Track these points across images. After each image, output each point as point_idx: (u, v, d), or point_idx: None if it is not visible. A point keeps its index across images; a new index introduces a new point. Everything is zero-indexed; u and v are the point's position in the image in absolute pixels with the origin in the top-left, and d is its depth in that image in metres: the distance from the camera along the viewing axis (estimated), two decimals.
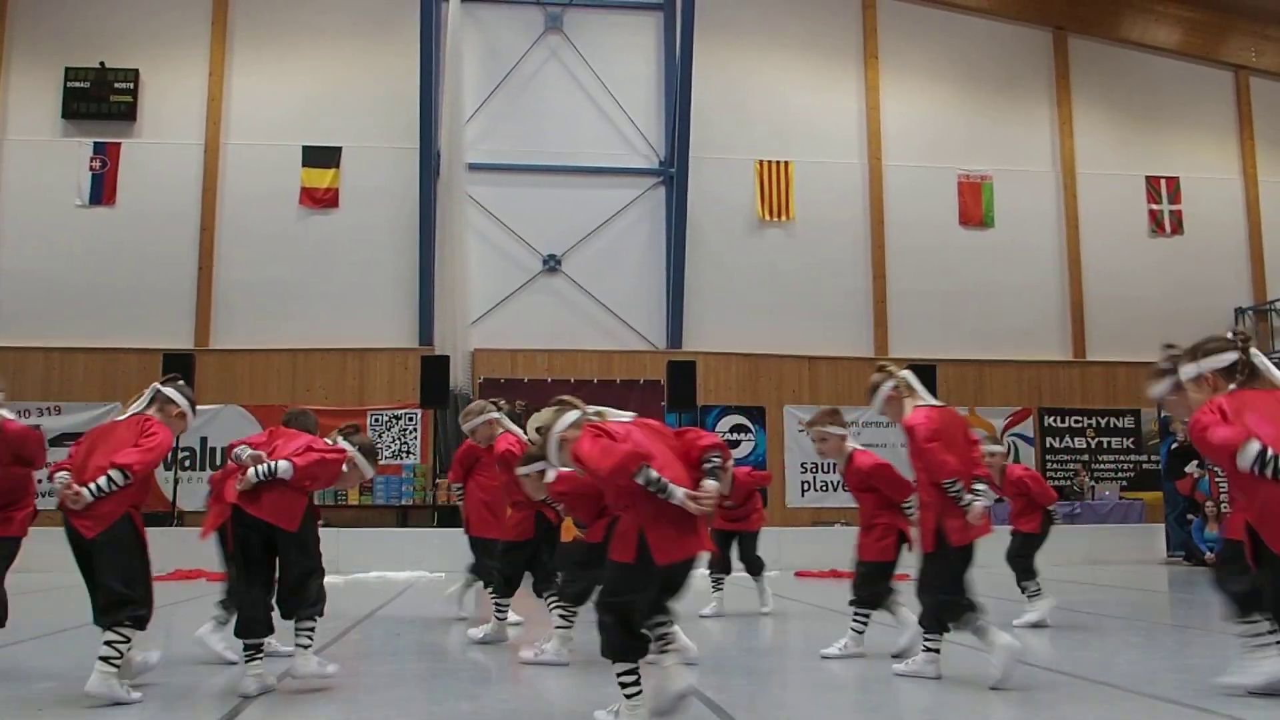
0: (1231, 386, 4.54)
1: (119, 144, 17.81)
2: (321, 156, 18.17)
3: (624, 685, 3.87)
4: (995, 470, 7.90)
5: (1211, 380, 4.66)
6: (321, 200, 18.13)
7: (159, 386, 5.20)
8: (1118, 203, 20.11)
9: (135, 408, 5.16)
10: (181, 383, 5.40)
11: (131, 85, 17.96)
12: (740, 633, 7.63)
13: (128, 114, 17.93)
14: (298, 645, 4.98)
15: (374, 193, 18.12)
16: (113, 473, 4.71)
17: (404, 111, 17.84)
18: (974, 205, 19.62)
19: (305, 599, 4.96)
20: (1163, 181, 20.33)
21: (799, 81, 19.47)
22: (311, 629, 5.02)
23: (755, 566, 8.86)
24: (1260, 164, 20.70)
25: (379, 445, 5.38)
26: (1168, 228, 20.27)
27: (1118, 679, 5.40)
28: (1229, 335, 4.69)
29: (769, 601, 8.76)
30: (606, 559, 4.13)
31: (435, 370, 15.67)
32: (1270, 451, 4.15)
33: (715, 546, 8.49)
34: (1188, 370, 4.80)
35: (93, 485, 4.70)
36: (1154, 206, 20.30)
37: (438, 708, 4.71)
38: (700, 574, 7.55)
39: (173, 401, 5.19)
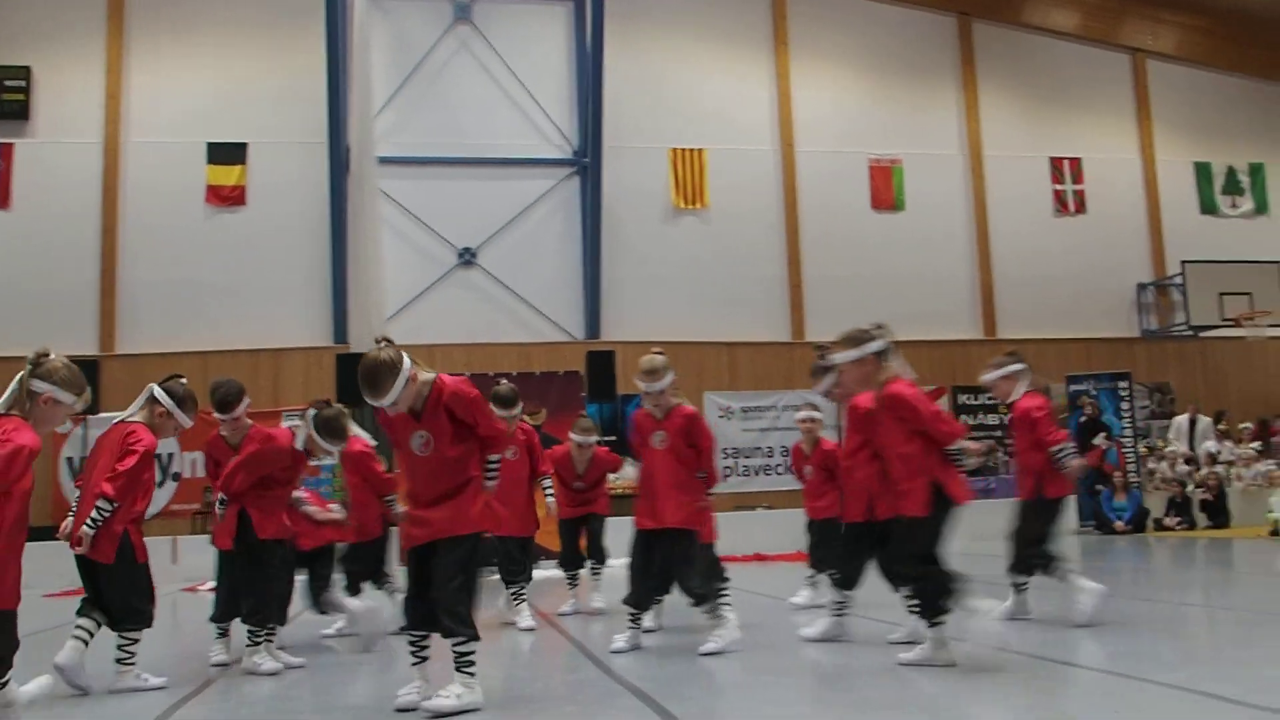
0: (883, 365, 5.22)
1: (12, 144, 17.27)
2: (227, 153, 17.80)
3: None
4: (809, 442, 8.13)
5: (871, 362, 5.23)
6: (228, 198, 17.77)
7: (154, 387, 5.37)
8: (1024, 184, 20.49)
9: (129, 410, 5.35)
10: (180, 381, 5.58)
11: (24, 83, 17.41)
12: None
13: (20, 113, 17.37)
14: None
15: (283, 189, 17.80)
16: (100, 503, 5.01)
17: (311, 106, 17.54)
18: (885, 189, 19.86)
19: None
20: (1066, 162, 20.76)
21: (711, 69, 19.53)
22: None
23: (602, 556, 8.48)
24: (1158, 144, 21.23)
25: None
26: (1072, 207, 20.71)
27: (1034, 649, 5.52)
28: (873, 326, 5.35)
29: (601, 600, 8.19)
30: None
31: (351, 368, 15.43)
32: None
33: (561, 539, 8.49)
34: (850, 354, 5.24)
35: (88, 523, 5.00)
36: (1058, 187, 20.72)
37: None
38: (553, 573, 7.67)
39: (158, 402, 5.35)
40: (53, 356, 4.70)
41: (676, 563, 5.93)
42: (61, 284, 16.97)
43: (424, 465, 4.68)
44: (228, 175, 17.75)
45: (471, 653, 4.54)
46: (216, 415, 6.11)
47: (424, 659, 4.74)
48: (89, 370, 14.72)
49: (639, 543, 6.04)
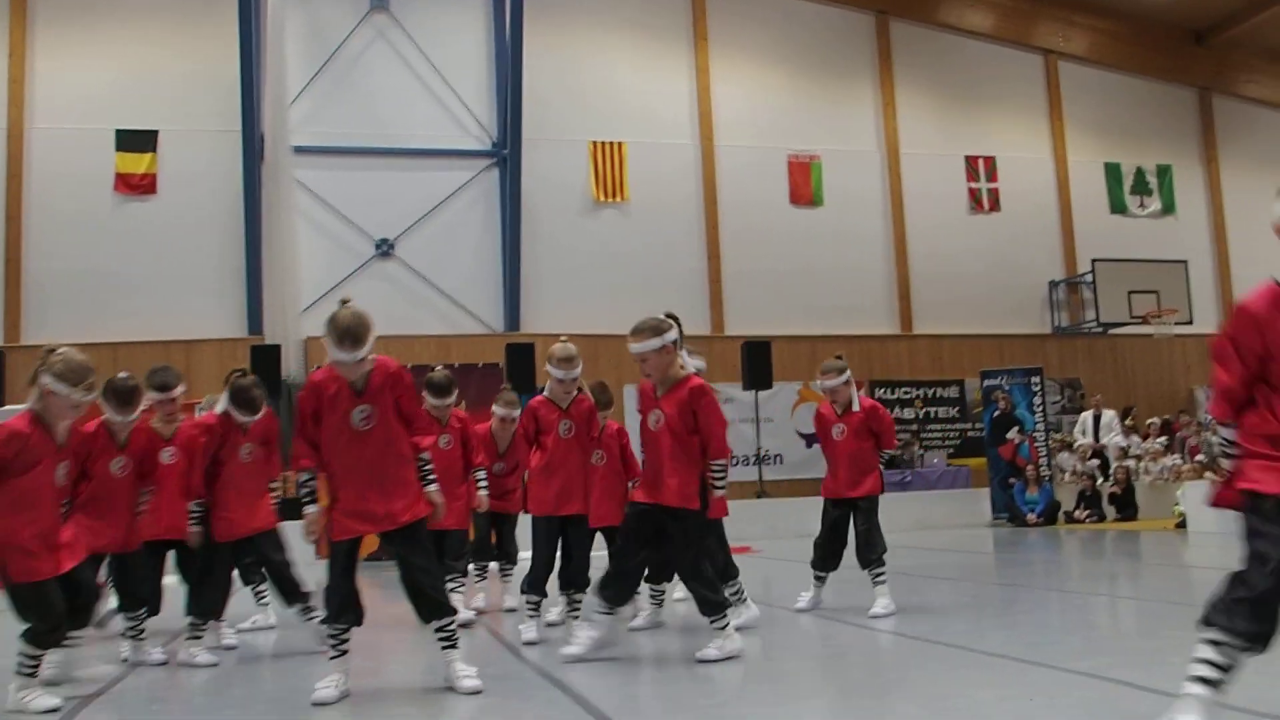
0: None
1: None
2: (136, 140, 17.37)
3: None
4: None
5: (670, 351, 5.42)
6: (138, 186, 17.35)
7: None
8: (939, 181, 20.78)
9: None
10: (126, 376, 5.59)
11: None
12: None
13: None
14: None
15: (195, 177, 17.41)
16: None
17: (224, 93, 17.17)
18: (804, 185, 20.02)
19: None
20: (980, 161, 21.09)
21: (631, 62, 19.51)
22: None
23: (513, 555, 8.13)
24: (1069, 144, 21.67)
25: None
26: (986, 205, 21.06)
27: (949, 638, 5.60)
28: (667, 315, 5.50)
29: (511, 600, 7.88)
30: None
31: (266, 360, 15.20)
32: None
33: (474, 529, 7.83)
34: (653, 343, 5.37)
35: None
36: (973, 185, 21.06)
37: None
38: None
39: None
40: (59, 351, 4.80)
41: (583, 548, 6.21)
42: None
43: (362, 444, 4.67)
44: (137, 163, 17.32)
45: (455, 631, 4.77)
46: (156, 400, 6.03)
47: (344, 652, 4.70)
48: None
49: (548, 529, 6.15)
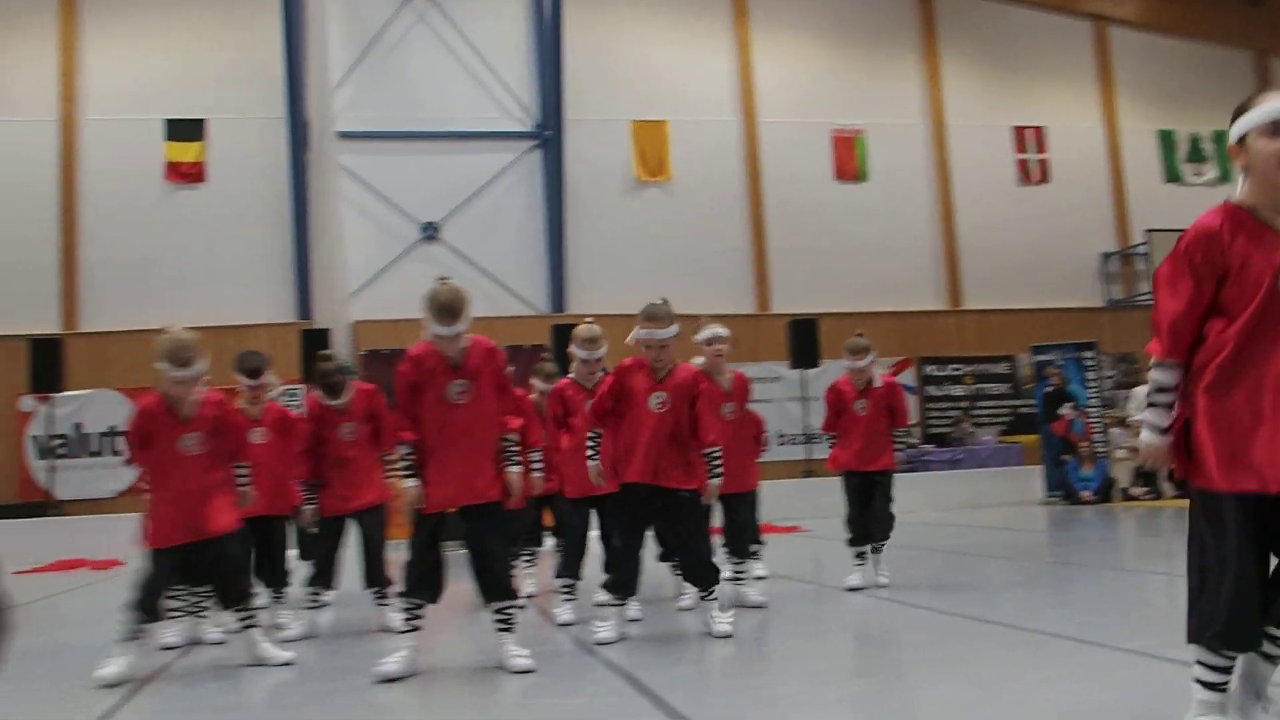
0: None
1: None
2: (185, 129, 17.53)
3: None
4: None
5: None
6: (188, 174, 17.53)
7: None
8: (987, 153, 20.51)
9: None
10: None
11: None
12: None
13: None
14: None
15: (243, 165, 17.56)
16: None
17: (269, 80, 17.30)
18: (848, 160, 19.84)
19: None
20: (1029, 131, 20.80)
21: (672, 40, 19.40)
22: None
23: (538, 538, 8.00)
24: (1121, 112, 21.30)
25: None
26: (1035, 177, 20.77)
27: (1002, 618, 5.55)
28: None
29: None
30: None
31: (316, 344, 15.27)
32: None
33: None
34: (673, 330, 5.53)
35: None
36: (1022, 156, 20.77)
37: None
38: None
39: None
40: (167, 331, 5.08)
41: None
42: (22, 263, 16.69)
43: (456, 418, 4.74)
44: (186, 152, 17.50)
45: (514, 614, 4.82)
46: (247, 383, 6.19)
47: (416, 628, 4.75)
48: (52, 348, 14.70)
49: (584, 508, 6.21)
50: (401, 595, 4.84)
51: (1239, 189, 3.00)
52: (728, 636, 5.31)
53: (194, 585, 5.31)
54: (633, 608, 6.12)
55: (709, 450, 5.49)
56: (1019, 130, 20.72)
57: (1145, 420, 3.10)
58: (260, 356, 6.34)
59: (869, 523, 7.00)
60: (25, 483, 15.76)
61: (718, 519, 6.45)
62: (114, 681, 4.73)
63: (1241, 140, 2.95)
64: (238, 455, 5.38)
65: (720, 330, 6.39)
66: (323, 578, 6.26)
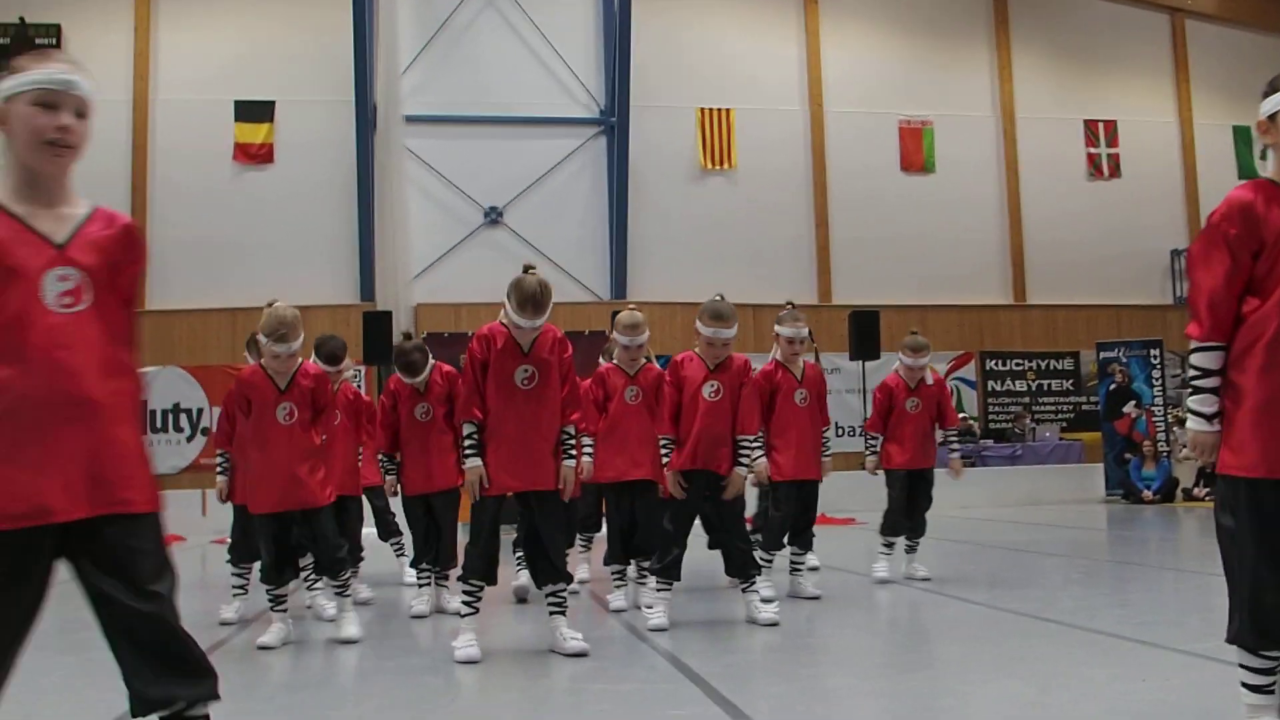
0: None
1: None
2: (255, 111, 17.77)
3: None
4: None
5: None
6: (256, 156, 17.77)
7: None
8: (1056, 147, 20.21)
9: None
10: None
11: (54, 41, 17.38)
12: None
13: None
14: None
15: (310, 147, 17.77)
16: None
17: (338, 63, 17.47)
18: (915, 151, 19.65)
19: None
20: (1100, 125, 20.47)
21: (740, 28, 19.31)
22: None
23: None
24: (1195, 106, 20.89)
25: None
26: (1105, 171, 20.44)
27: (1059, 615, 5.49)
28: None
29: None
30: None
31: (378, 326, 15.46)
32: None
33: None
34: (735, 329, 5.60)
35: None
36: (1092, 150, 20.45)
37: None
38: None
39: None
40: (271, 305, 5.34)
41: (651, 514, 6.05)
42: None
43: (521, 403, 4.77)
44: (255, 133, 17.73)
45: (566, 598, 4.88)
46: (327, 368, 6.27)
47: (477, 610, 4.81)
48: None
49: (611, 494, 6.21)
50: (462, 578, 4.87)
51: (1270, 165, 2.98)
52: (775, 624, 5.31)
53: (285, 555, 5.35)
54: (618, 598, 6.20)
55: (744, 438, 5.53)
56: (1090, 124, 20.39)
57: (1190, 409, 2.93)
58: (340, 342, 6.49)
59: (912, 519, 7.01)
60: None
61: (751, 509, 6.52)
62: (274, 645, 5.10)
63: (1272, 118, 2.94)
64: (329, 430, 5.50)
65: (803, 331, 6.35)
66: (427, 555, 6.30)
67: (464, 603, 4.82)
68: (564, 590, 4.85)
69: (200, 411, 16.08)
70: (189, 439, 16.36)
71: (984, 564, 8.14)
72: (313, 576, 5.96)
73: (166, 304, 17.04)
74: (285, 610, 5.31)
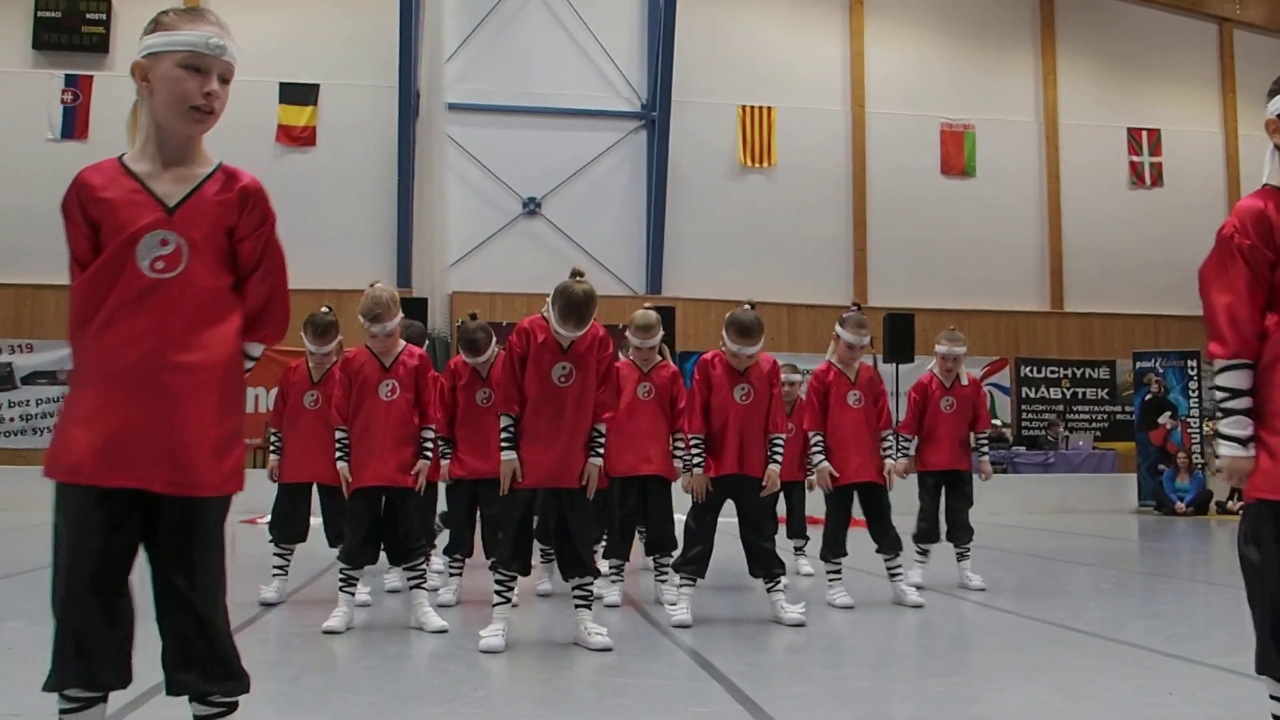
0: None
1: (91, 76, 17.49)
2: (299, 93, 17.91)
3: None
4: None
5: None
6: (299, 138, 17.90)
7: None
8: (1099, 154, 20.07)
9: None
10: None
11: (104, 16, 17.61)
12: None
13: (100, 45, 17.60)
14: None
15: (352, 131, 17.89)
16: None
17: (383, 49, 17.58)
18: (956, 154, 19.56)
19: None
20: (1144, 133, 20.30)
21: (783, 26, 19.28)
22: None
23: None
24: (1241, 117, 20.67)
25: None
26: (1148, 180, 20.27)
27: (1087, 625, 5.46)
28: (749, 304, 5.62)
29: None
30: None
31: (413, 313, 15.42)
32: None
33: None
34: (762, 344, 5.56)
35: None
36: (1135, 158, 20.28)
37: None
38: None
39: None
40: (370, 287, 5.46)
41: (663, 511, 6.10)
42: None
43: (558, 399, 4.78)
44: (299, 115, 17.86)
45: (592, 591, 4.90)
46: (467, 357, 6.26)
47: (508, 600, 4.83)
48: None
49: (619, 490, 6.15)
50: (494, 568, 4.89)
51: (1270, 170, 2.81)
52: (800, 625, 5.32)
53: (371, 535, 5.36)
54: (614, 594, 6.10)
55: (774, 436, 5.57)
56: (1134, 132, 20.23)
57: (1222, 434, 2.75)
58: (418, 328, 6.54)
59: (952, 523, 6.94)
60: None
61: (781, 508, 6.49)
62: (340, 630, 5.04)
63: None
64: (426, 414, 5.46)
65: (865, 340, 6.29)
66: (464, 545, 6.26)
67: (496, 592, 4.83)
68: (590, 584, 4.87)
69: None
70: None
71: (1013, 571, 8.10)
72: (416, 579, 5.44)
73: None
74: (353, 594, 5.29)
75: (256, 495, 6.46)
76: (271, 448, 6.22)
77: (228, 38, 2.46)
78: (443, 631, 5.10)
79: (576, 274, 4.82)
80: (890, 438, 6.45)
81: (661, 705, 3.80)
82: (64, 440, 2.36)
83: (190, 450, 2.37)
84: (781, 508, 7.53)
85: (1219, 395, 2.76)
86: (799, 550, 7.79)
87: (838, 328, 6.34)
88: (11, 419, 16.69)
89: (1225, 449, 2.73)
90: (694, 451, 5.54)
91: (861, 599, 6.24)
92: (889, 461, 6.34)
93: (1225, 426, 2.73)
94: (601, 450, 4.92)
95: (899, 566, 6.30)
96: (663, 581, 6.12)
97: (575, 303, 4.71)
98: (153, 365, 2.36)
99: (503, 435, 4.84)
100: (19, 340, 16.74)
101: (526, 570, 4.89)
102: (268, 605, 5.89)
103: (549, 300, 4.80)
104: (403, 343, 5.44)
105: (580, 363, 4.82)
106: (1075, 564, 8.90)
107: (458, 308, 17.31)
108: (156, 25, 2.47)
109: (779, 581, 5.50)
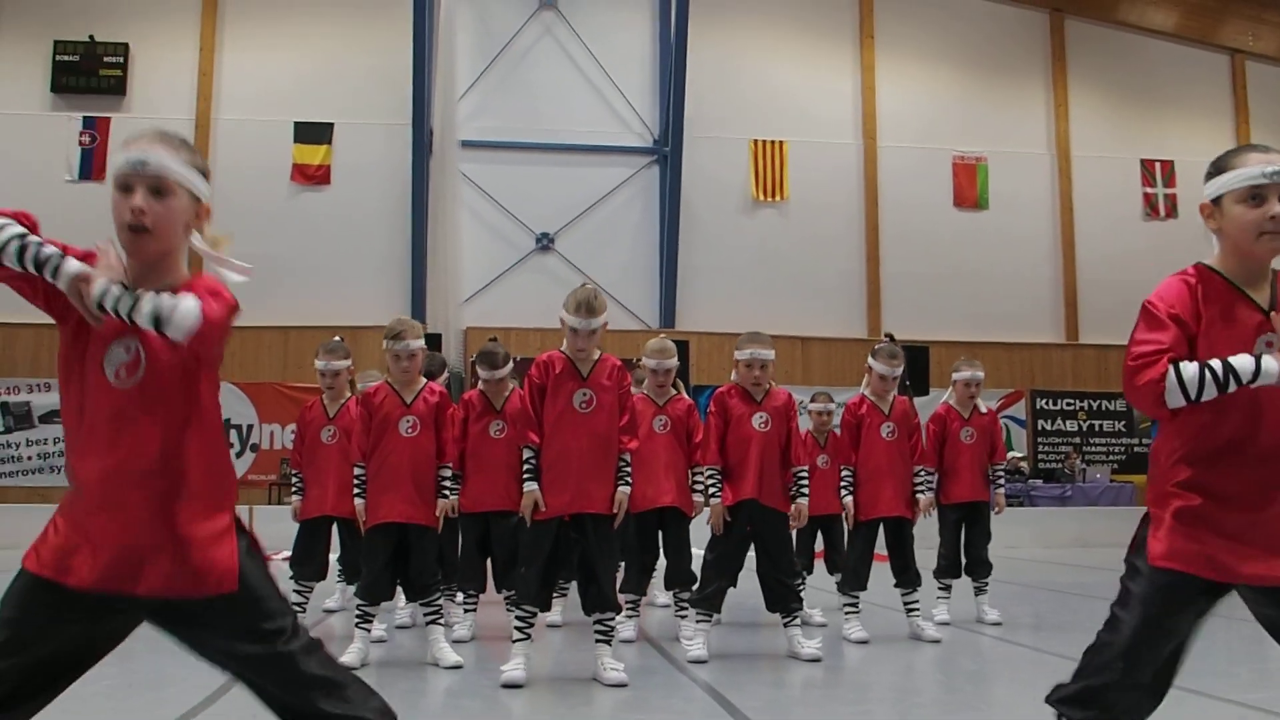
0: None
1: (109, 118, 17.66)
2: (313, 133, 18.04)
3: None
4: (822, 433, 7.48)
5: None
6: (313, 177, 18.02)
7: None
8: (1112, 186, 20.05)
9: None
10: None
11: (121, 59, 17.80)
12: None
13: (117, 88, 17.78)
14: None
15: (366, 170, 18.00)
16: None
17: (397, 88, 17.71)
18: (969, 187, 19.56)
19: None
20: (1157, 165, 20.28)
21: (794, 61, 19.36)
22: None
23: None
24: None
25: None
26: (1162, 211, 20.23)
27: None
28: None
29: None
30: None
31: (428, 349, 15.60)
32: None
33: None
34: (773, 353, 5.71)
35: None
36: (1148, 190, 20.25)
37: None
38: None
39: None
40: (397, 318, 5.68)
41: (680, 544, 6.06)
42: None
43: (579, 427, 4.81)
44: (314, 154, 18.00)
45: (613, 628, 4.90)
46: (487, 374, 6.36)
47: (529, 636, 4.81)
48: None
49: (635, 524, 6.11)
50: (515, 603, 4.88)
51: (1213, 251, 2.72)
52: (817, 660, 5.29)
53: (389, 572, 5.32)
54: (628, 628, 6.07)
55: (797, 470, 5.57)
56: (1147, 163, 20.22)
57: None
58: (440, 359, 6.56)
59: (971, 557, 6.88)
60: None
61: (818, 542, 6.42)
62: (355, 666, 4.91)
63: (1217, 201, 2.67)
64: (445, 452, 5.45)
65: (898, 371, 6.25)
66: (476, 579, 6.24)
67: (516, 628, 4.81)
68: (611, 619, 4.85)
69: (250, 428, 16.24)
70: (238, 455, 16.54)
71: (1030, 605, 8.05)
72: (432, 615, 5.43)
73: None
74: (369, 630, 5.29)
75: (278, 530, 6.47)
76: (293, 488, 6.23)
77: (157, 150, 2.36)
78: (458, 667, 5.07)
79: (583, 287, 5.12)
80: (923, 473, 6.39)
81: None
82: None
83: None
84: (819, 542, 7.49)
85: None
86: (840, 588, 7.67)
87: (870, 359, 6.30)
88: (29, 457, 16.76)
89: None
90: (711, 483, 5.53)
91: (878, 634, 6.20)
92: (920, 496, 6.28)
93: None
94: (629, 479, 4.91)
95: (916, 602, 6.24)
96: (682, 617, 6.09)
97: (584, 295, 4.95)
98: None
99: (525, 467, 4.83)
100: (37, 380, 16.82)
101: (548, 605, 4.88)
102: None
103: (562, 312, 4.98)
104: (423, 380, 5.47)
105: (600, 389, 4.88)
106: (1093, 598, 8.83)
107: (472, 343, 17.34)
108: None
109: (796, 617, 5.47)
